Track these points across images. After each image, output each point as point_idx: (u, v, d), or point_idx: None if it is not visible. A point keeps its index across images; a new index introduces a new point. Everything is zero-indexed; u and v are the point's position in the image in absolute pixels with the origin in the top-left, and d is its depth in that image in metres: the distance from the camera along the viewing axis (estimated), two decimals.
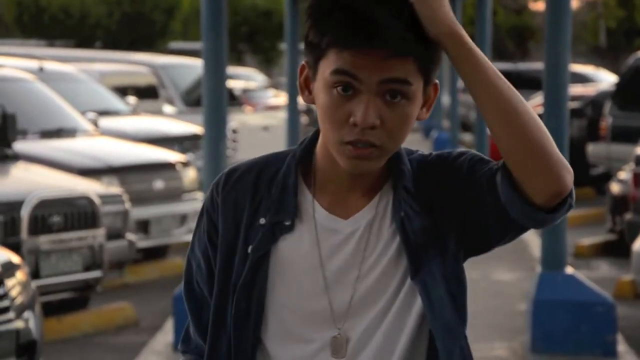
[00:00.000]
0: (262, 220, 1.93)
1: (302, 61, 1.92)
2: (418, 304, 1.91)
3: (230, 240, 1.95)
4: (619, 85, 14.11)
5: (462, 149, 1.99)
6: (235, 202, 1.96)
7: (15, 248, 7.21)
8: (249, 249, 1.93)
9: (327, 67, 1.85)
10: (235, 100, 15.31)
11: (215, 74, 7.36)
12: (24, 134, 9.63)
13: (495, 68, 1.85)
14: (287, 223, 1.92)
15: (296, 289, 1.92)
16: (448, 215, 1.92)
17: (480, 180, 1.90)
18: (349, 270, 1.92)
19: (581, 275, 7.30)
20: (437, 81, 1.94)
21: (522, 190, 1.85)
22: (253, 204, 1.95)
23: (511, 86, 1.87)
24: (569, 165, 1.86)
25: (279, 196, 1.93)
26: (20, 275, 5.88)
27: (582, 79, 21.14)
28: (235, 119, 13.91)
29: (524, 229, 1.89)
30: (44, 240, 7.69)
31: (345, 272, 1.92)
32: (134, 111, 12.76)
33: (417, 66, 1.86)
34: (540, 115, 9.50)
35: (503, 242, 1.93)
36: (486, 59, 1.84)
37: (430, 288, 1.90)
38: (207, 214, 1.99)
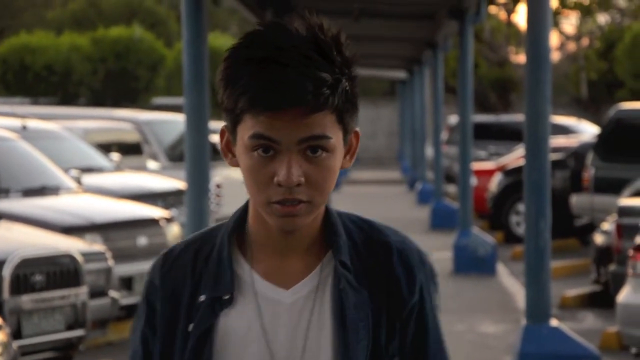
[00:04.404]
0: (202, 297, 1.91)
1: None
2: None
3: (169, 322, 1.93)
4: (601, 137, 14.17)
5: (430, 288, 1.96)
6: (174, 282, 1.94)
7: None
8: (190, 327, 1.90)
9: (244, 131, 1.85)
10: (219, 154, 15.30)
11: (198, 129, 7.37)
12: (6, 192, 9.60)
13: None
14: (226, 297, 1.90)
15: None
16: (382, 306, 1.91)
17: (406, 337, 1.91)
18: (295, 342, 1.89)
19: (566, 328, 7.27)
20: (357, 129, 1.93)
21: None
22: (192, 282, 1.93)
23: None
24: None
25: (216, 271, 1.91)
26: (1, 336, 5.81)
27: (564, 130, 21.24)
28: (219, 174, 13.89)
29: None
30: (26, 300, 7.63)
31: (292, 344, 1.89)
32: (118, 168, 12.73)
33: (336, 118, 1.85)
34: (522, 167, 9.31)
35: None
36: None
37: None
38: (146, 297, 1.96)
